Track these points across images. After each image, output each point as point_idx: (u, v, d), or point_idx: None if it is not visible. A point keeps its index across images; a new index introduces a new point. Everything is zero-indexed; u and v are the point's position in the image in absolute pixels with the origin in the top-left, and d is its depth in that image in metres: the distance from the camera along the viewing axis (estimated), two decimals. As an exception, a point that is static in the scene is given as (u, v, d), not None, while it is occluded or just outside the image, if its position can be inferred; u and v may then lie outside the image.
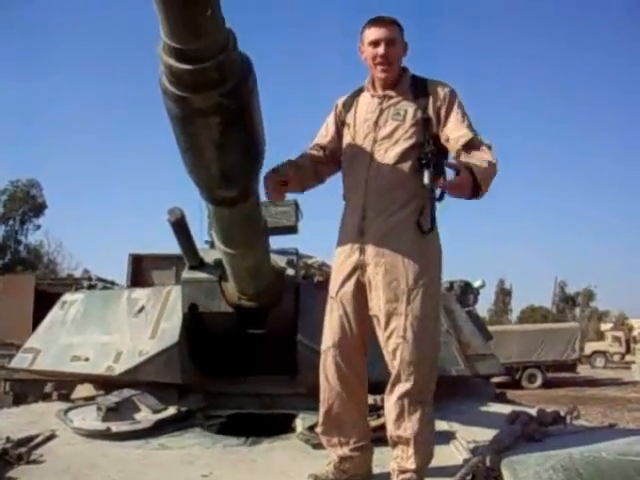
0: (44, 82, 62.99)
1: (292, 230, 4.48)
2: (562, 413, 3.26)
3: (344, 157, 2.99)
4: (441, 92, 2.84)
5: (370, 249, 2.76)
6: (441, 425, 3.36)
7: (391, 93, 2.89)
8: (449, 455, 2.93)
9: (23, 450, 2.93)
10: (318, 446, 3.11)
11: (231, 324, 3.95)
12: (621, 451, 2.52)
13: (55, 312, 4.75)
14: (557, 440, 2.80)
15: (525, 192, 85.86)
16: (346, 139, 2.98)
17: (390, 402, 2.73)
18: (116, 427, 3.42)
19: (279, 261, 4.02)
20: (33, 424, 3.62)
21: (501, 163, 2.70)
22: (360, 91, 3.03)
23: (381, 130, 2.84)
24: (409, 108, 2.83)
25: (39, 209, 43.63)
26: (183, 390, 3.98)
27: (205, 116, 2.33)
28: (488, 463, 2.52)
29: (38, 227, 44.19)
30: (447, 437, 3.20)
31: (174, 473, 2.91)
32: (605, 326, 44.25)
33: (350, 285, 2.82)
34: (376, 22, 2.90)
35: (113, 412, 3.52)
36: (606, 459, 2.44)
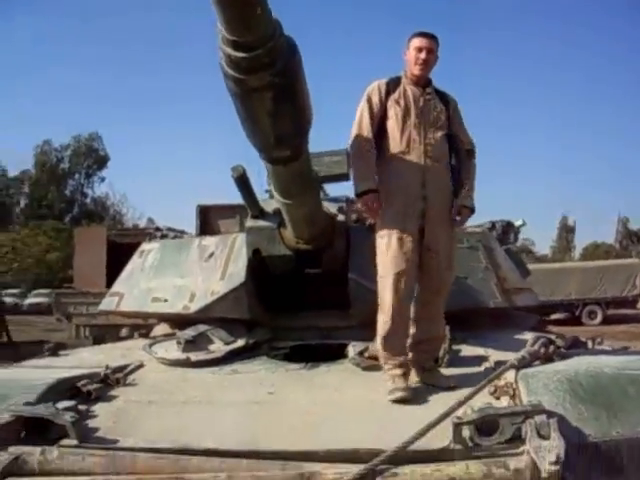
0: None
1: (344, 177, 4.89)
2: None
3: (395, 125, 3.58)
4: (452, 103, 3.72)
5: (432, 198, 3.51)
6: (478, 351, 3.80)
7: (428, 90, 3.64)
8: (479, 373, 3.34)
9: (120, 375, 3.45)
10: (367, 369, 3.61)
11: (290, 265, 4.34)
12: (621, 366, 2.91)
13: (135, 260, 5.27)
14: (571, 359, 3.20)
15: (590, 132, 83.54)
16: (396, 111, 3.57)
17: (429, 305, 3.57)
18: (194, 357, 3.90)
19: (331, 208, 4.42)
20: (124, 357, 4.09)
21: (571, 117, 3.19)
22: (395, 80, 3.66)
23: (426, 114, 3.58)
24: (440, 106, 3.64)
25: (102, 162, 44.66)
26: (250, 324, 4.38)
27: (260, 92, 2.75)
28: (507, 377, 2.95)
29: (102, 180, 45.35)
30: (480, 360, 3.61)
31: (245, 391, 3.38)
32: (668, 262, 42.99)
33: (416, 225, 3.49)
34: (423, 34, 3.63)
35: (191, 344, 4.00)
36: (607, 374, 2.84)
